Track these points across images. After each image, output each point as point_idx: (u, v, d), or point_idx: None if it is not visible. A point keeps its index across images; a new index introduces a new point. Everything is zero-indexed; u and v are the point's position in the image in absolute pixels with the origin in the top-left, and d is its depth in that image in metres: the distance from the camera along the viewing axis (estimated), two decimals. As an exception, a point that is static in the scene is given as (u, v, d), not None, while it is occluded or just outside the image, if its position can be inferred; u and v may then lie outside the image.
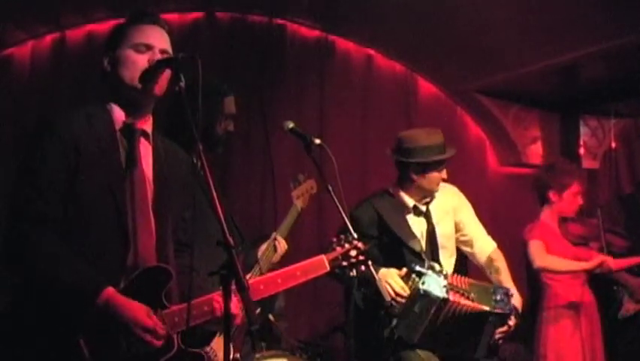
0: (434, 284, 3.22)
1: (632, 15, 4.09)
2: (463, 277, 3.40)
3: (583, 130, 5.93)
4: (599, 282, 4.51)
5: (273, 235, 3.28)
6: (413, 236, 3.49)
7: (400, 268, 3.36)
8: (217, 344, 2.59)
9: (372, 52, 5.51)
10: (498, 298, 3.35)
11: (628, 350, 4.59)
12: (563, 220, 4.37)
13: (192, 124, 2.03)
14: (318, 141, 2.78)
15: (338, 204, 2.65)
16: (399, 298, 3.26)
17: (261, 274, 3.13)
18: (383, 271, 3.32)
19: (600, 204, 4.73)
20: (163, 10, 4.69)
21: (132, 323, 2.03)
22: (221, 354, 2.58)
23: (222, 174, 4.81)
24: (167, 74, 2.20)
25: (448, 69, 5.44)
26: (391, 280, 3.29)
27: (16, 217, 2.05)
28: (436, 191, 3.56)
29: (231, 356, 2.56)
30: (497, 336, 3.44)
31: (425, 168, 3.46)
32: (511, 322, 3.43)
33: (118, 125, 2.21)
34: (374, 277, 2.68)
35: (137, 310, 2.05)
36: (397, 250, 3.47)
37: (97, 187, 2.11)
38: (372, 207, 3.54)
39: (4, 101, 4.61)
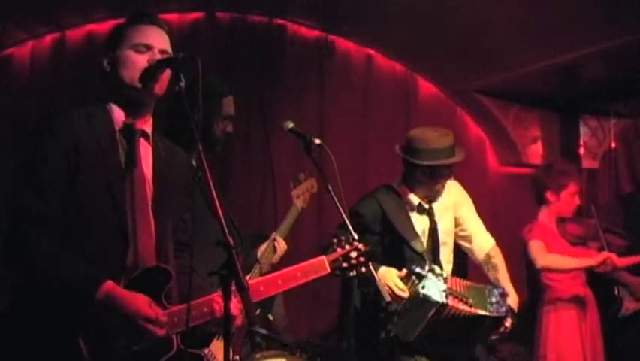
0: (434, 288, 3.22)
1: (632, 15, 4.09)
2: (461, 280, 3.40)
3: (583, 130, 5.93)
4: (599, 282, 4.51)
5: (273, 235, 3.28)
6: (416, 236, 3.49)
7: (399, 267, 3.36)
8: (215, 346, 2.59)
9: (372, 52, 5.50)
10: (494, 300, 3.36)
11: (628, 350, 4.58)
12: (561, 220, 4.38)
13: (192, 124, 2.03)
14: (318, 141, 2.77)
15: (338, 204, 2.65)
16: (398, 300, 3.27)
17: (261, 274, 3.13)
18: (383, 270, 3.32)
19: (595, 202, 4.72)
20: (163, 10, 4.70)
21: (134, 313, 2.03)
22: (219, 356, 2.58)
23: (222, 174, 4.81)
24: (167, 74, 2.20)
25: (448, 69, 5.44)
26: (391, 282, 3.29)
27: (16, 217, 2.05)
28: (442, 191, 3.57)
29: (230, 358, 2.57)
30: (493, 337, 3.45)
31: (433, 171, 3.45)
32: (508, 323, 3.44)
33: (118, 126, 2.21)
34: (374, 277, 2.67)
35: (139, 301, 2.05)
36: (399, 249, 3.47)
37: (96, 187, 2.11)
38: (376, 202, 3.53)
39: (4, 101, 4.61)
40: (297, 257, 2.50)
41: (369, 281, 2.77)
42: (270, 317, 3.77)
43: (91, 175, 2.11)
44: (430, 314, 3.22)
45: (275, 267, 3.21)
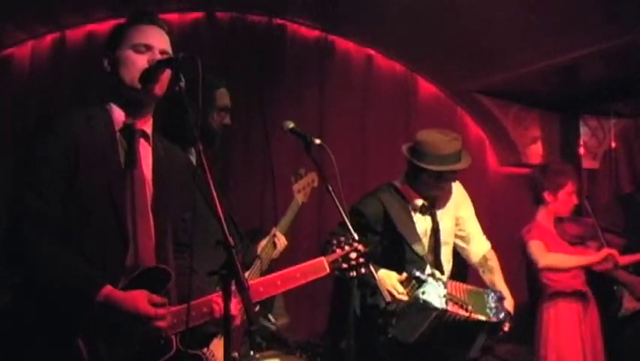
0: (434, 294, 3.22)
1: (632, 15, 4.08)
2: (460, 284, 3.40)
3: (583, 130, 5.93)
4: (599, 281, 4.51)
5: (273, 230, 3.27)
6: (417, 238, 3.48)
7: (399, 268, 3.35)
8: (215, 345, 2.59)
9: (372, 52, 5.50)
10: (492, 305, 3.37)
11: (628, 349, 4.58)
12: (559, 220, 4.38)
13: (192, 124, 2.03)
14: (318, 141, 2.77)
15: (338, 204, 2.65)
16: (397, 302, 3.27)
17: (262, 270, 3.13)
18: (383, 273, 3.31)
19: (590, 199, 4.72)
20: (163, 10, 4.70)
21: (133, 312, 2.03)
22: (218, 355, 2.58)
23: (222, 173, 4.81)
24: (167, 74, 2.20)
25: (448, 69, 5.44)
26: (391, 286, 3.28)
27: (16, 217, 2.05)
28: (446, 193, 3.57)
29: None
30: (491, 340, 3.46)
31: (439, 176, 3.45)
32: (506, 328, 3.44)
33: (118, 126, 2.21)
34: (374, 278, 2.67)
35: (137, 299, 2.05)
36: (399, 250, 3.46)
37: (96, 188, 2.11)
38: (379, 202, 3.51)
39: (4, 101, 4.61)
40: (298, 257, 2.50)
41: (369, 282, 2.77)
42: (271, 317, 3.76)
43: (91, 175, 2.11)
44: (430, 319, 3.22)
45: (274, 263, 3.21)
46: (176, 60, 2.13)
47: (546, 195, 4.35)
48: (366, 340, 3.40)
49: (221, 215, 1.98)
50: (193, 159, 2.78)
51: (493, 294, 3.44)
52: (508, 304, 3.49)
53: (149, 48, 2.21)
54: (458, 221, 3.71)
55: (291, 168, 3.58)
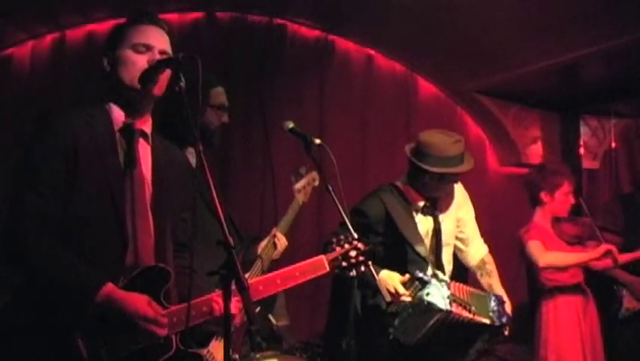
0: (438, 295, 3.19)
1: (632, 15, 4.09)
2: (462, 285, 3.38)
3: (583, 130, 5.93)
4: (599, 282, 4.51)
5: (273, 230, 3.27)
6: (419, 239, 3.45)
7: (401, 270, 3.34)
8: (214, 346, 2.59)
9: (372, 52, 5.51)
10: (494, 308, 3.36)
11: (628, 350, 4.58)
12: (557, 221, 4.38)
13: (192, 124, 2.03)
14: (318, 141, 2.77)
15: (338, 204, 2.65)
16: (399, 304, 3.26)
17: (262, 270, 3.12)
18: (385, 274, 3.30)
19: (585, 198, 4.72)
20: (163, 10, 4.70)
21: (134, 314, 2.03)
22: (218, 356, 2.58)
23: (222, 173, 4.81)
24: (166, 74, 2.20)
25: (448, 69, 5.44)
26: (393, 288, 3.26)
27: (16, 217, 2.05)
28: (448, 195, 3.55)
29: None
30: (491, 343, 3.45)
31: (441, 177, 3.42)
32: (506, 332, 3.43)
33: (117, 126, 2.21)
34: (374, 277, 2.67)
35: (138, 301, 2.05)
36: (401, 251, 3.43)
37: (96, 188, 2.11)
38: (380, 202, 3.48)
39: (4, 101, 4.61)
40: (298, 257, 2.49)
41: (370, 282, 2.76)
42: (271, 317, 3.76)
43: (90, 175, 2.11)
44: (433, 321, 3.19)
45: (274, 263, 3.20)
46: (176, 60, 2.13)
47: (543, 196, 4.35)
48: (367, 341, 3.40)
49: (221, 215, 1.98)
50: (191, 158, 2.78)
51: (494, 297, 3.43)
52: (507, 308, 3.48)
53: (148, 48, 2.21)
54: (459, 223, 3.69)
55: (291, 167, 3.58)
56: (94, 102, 2.25)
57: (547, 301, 4.29)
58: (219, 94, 3.07)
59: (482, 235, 3.79)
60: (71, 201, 2.08)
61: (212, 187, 2.00)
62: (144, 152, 2.25)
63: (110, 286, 2.03)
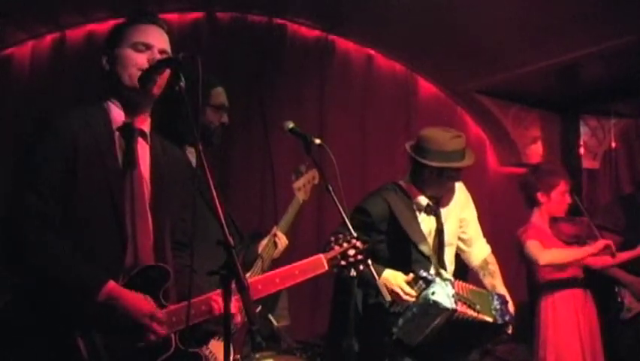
0: (443, 294, 3.18)
1: (632, 15, 4.09)
2: (465, 284, 3.38)
3: (583, 130, 5.94)
4: (599, 282, 4.51)
5: (274, 229, 3.26)
6: (423, 238, 3.42)
7: (405, 269, 3.33)
8: (216, 346, 2.59)
9: (372, 52, 5.51)
10: (497, 306, 3.35)
11: (629, 351, 4.58)
12: (554, 221, 4.38)
13: (192, 124, 2.03)
14: (318, 141, 2.77)
15: (338, 203, 2.65)
16: (403, 303, 3.26)
17: (263, 269, 3.12)
18: (389, 274, 3.29)
19: (579, 195, 4.73)
20: (163, 10, 4.70)
21: (135, 312, 2.04)
22: (221, 356, 2.58)
23: (222, 173, 4.81)
24: (166, 74, 2.20)
25: (448, 69, 5.44)
26: (397, 286, 3.26)
27: (16, 217, 2.05)
28: (450, 193, 3.53)
29: (231, 358, 2.57)
30: (494, 342, 3.44)
31: (441, 173, 3.41)
32: (509, 330, 3.42)
33: (116, 125, 2.21)
34: (374, 277, 2.66)
35: (140, 300, 2.06)
36: (405, 250, 3.41)
37: (95, 187, 2.11)
38: (384, 201, 3.46)
39: (4, 101, 4.61)
40: (298, 257, 2.49)
41: (370, 280, 2.76)
42: (271, 317, 3.76)
43: (89, 175, 2.11)
44: (438, 320, 3.19)
45: (274, 263, 3.20)
46: (177, 60, 2.13)
47: (539, 196, 4.36)
48: (369, 340, 3.39)
49: (221, 215, 1.98)
50: (192, 158, 2.78)
51: (497, 296, 3.42)
52: (510, 308, 3.48)
53: (148, 47, 2.21)
54: (461, 223, 3.68)
55: (291, 167, 3.58)
56: (93, 101, 2.25)
57: (546, 297, 4.29)
58: (219, 94, 3.07)
59: (483, 235, 3.79)
60: (71, 201, 2.08)
61: (212, 187, 2.00)
62: (143, 151, 2.25)
63: (111, 284, 2.04)
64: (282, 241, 3.25)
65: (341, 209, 2.64)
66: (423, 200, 3.50)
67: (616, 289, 4.61)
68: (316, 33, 5.32)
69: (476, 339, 3.41)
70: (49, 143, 2.09)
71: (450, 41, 4.88)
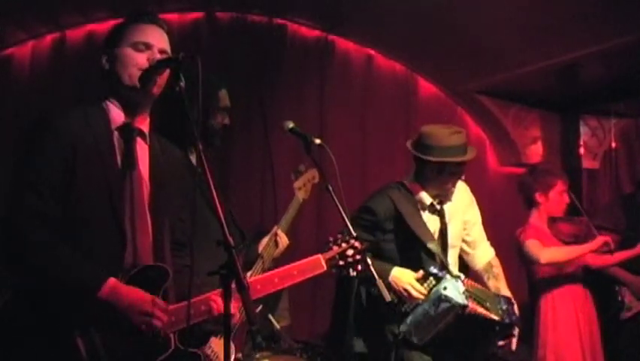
0: (454, 290, 3.17)
1: (632, 15, 4.09)
2: (473, 282, 3.37)
3: (583, 130, 5.94)
4: (599, 282, 4.51)
5: (274, 228, 3.26)
6: (431, 237, 3.41)
7: (414, 267, 3.32)
8: (219, 345, 2.58)
9: (372, 52, 5.51)
10: (504, 307, 3.35)
11: (629, 350, 4.58)
12: (553, 221, 4.39)
13: (193, 124, 2.03)
14: (318, 141, 2.77)
15: (338, 203, 2.64)
16: (412, 302, 3.24)
17: (264, 269, 3.12)
18: (398, 272, 3.29)
19: (581, 196, 4.74)
20: (163, 10, 4.70)
21: (136, 302, 2.04)
22: (222, 356, 2.58)
23: (222, 173, 4.81)
24: (165, 74, 2.20)
25: (448, 69, 5.44)
26: (408, 285, 3.25)
27: (16, 217, 2.05)
28: (453, 192, 3.50)
29: (233, 357, 2.57)
30: (500, 343, 3.41)
31: (443, 168, 3.39)
32: (515, 333, 3.41)
33: (115, 125, 2.22)
34: (373, 276, 2.66)
35: (140, 292, 2.07)
36: (414, 249, 3.39)
37: (94, 187, 2.11)
38: (389, 199, 3.44)
39: (4, 101, 4.61)
40: (298, 257, 2.49)
41: (371, 280, 2.75)
42: (271, 317, 3.76)
43: (89, 175, 2.11)
44: (449, 316, 3.18)
45: (276, 262, 3.20)
46: (177, 60, 2.13)
47: (537, 197, 4.37)
48: (374, 339, 3.38)
49: (221, 214, 1.98)
50: (193, 158, 2.78)
51: (503, 297, 3.42)
52: (516, 309, 3.47)
53: (148, 47, 2.21)
54: (465, 225, 3.65)
55: (291, 167, 3.58)
56: (92, 102, 2.25)
57: (546, 297, 4.29)
58: (225, 96, 3.08)
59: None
60: (70, 201, 2.08)
61: (212, 187, 2.00)
62: (142, 151, 2.25)
63: (112, 281, 2.04)
64: (283, 240, 3.25)
65: (341, 209, 2.65)
66: (427, 199, 3.48)
67: (616, 288, 4.62)
68: (316, 33, 5.32)
69: (481, 337, 3.38)
70: (49, 143, 2.10)
71: (450, 41, 4.88)
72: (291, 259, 2.52)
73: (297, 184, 3.40)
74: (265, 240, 3.22)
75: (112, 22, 4.43)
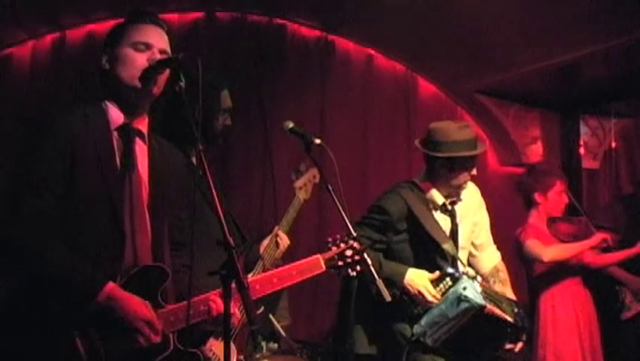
0: (473, 290, 3.14)
1: (632, 15, 4.08)
2: (487, 284, 3.36)
3: (583, 130, 5.93)
4: (599, 282, 4.51)
5: (275, 229, 3.26)
6: (445, 237, 3.36)
7: (428, 268, 3.30)
8: (219, 347, 2.58)
9: (372, 52, 5.51)
10: (516, 310, 3.33)
11: (628, 350, 4.58)
12: (552, 221, 4.39)
13: (193, 124, 2.03)
14: (318, 141, 2.77)
15: (338, 203, 2.64)
16: (426, 305, 3.23)
17: (264, 270, 3.11)
18: (413, 273, 3.27)
19: (580, 196, 4.74)
20: (163, 10, 4.71)
21: (132, 316, 2.04)
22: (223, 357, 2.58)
23: (223, 173, 4.81)
24: (165, 74, 2.20)
25: (448, 69, 5.44)
26: (423, 288, 3.23)
27: (15, 216, 2.05)
28: (464, 188, 3.45)
29: (234, 359, 2.57)
30: (508, 347, 3.39)
31: (453, 163, 3.34)
32: (524, 337, 3.39)
33: (114, 125, 2.21)
34: (373, 277, 2.65)
35: (138, 304, 2.06)
36: (428, 249, 3.35)
37: (93, 187, 2.11)
38: (401, 199, 3.39)
39: (4, 101, 4.61)
40: (298, 257, 2.49)
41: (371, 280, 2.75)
42: (272, 317, 3.76)
43: (88, 175, 2.11)
44: (466, 317, 3.15)
45: (278, 262, 3.19)
46: (177, 60, 2.13)
47: (537, 197, 4.38)
48: (385, 340, 3.36)
49: (221, 215, 1.98)
50: (194, 158, 2.78)
51: (514, 301, 3.41)
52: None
53: (148, 47, 2.21)
54: (474, 227, 3.61)
55: (292, 167, 3.57)
56: (92, 102, 2.25)
57: (546, 297, 4.29)
58: (227, 97, 3.08)
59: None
60: (69, 201, 2.08)
61: (212, 187, 2.00)
62: (141, 152, 2.25)
63: (111, 285, 2.04)
64: (284, 240, 3.24)
65: (341, 209, 2.64)
66: (438, 198, 3.43)
67: (616, 288, 4.62)
68: (316, 33, 5.32)
69: (492, 339, 3.35)
70: (48, 143, 2.09)
71: (450, 41, 4.88)
72: (292, 259, 2.52)
73: (297, 184, 3.39)
74: (266, 241, 3.22)
75: (112, 23, 4.41)
